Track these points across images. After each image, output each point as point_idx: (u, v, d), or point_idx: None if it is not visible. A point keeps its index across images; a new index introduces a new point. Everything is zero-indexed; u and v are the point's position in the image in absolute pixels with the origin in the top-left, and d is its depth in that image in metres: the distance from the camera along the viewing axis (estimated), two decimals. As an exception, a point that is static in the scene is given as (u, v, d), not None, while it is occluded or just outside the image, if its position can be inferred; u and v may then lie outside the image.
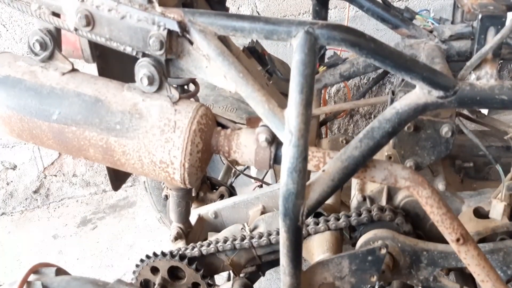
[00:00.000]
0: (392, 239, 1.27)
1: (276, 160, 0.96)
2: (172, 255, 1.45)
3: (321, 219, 1.39)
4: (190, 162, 0.98)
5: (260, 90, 0.91)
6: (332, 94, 3.31)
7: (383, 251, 1.23)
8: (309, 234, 1.40)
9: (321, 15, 1.76)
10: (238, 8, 2.99)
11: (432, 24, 1.55)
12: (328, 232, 1.38)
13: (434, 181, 1.35)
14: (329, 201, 1.56)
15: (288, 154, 0.85)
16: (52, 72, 1.05)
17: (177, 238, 1.58)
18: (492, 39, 0.98)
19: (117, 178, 1.42)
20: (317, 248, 1.38)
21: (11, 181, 3.01)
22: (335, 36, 0.87)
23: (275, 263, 1.56)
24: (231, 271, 1.53)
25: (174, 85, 1.05)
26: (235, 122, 1.24)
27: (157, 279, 1.48)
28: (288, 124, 0.85)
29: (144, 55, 0.99)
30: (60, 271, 1.28)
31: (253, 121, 1.37)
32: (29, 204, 3.09)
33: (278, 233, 1.41)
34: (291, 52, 0.87)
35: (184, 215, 1.59)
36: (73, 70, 1.06)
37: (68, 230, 2.88)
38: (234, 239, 1.45)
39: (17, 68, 1.06)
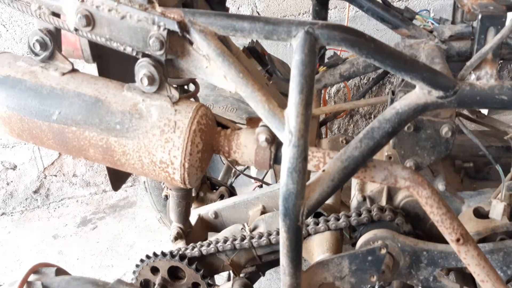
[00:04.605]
0: (392, 239, 1.27)
1: (276, 160, 0.96)
2: (172, 255, 1.45)
3: (321, 219, 1.39)
4: (190, 162, 0.98)
5: (260, 90, 0.91)
6: (332, 94, 3.31)
7: (383, 251, 1.23)
8: (309, 234, 1.40)
9: (321, 15, 1.76)
10: (238, 8, 2.99)
11: (432, 24, 1.55)
12: (328, 232, 1.38)
13: (434, 181, 1.35)
14: (329, 201, 1.56)
15: (288, 154, 0.85)
16: (52, 72, 1.05)
17: (177, 238, 1.57)
18: (492, 39, 0.98)
19: (117, 178, 1.42)
20: (317, 248, 1.38)
21: (11, 181, 3.01)
22: (335, 36, 0.87)
23: (275, 263, 1.56)
24: (231, 271, 1.53)
25: (174, 85, 1.05)
26: (235, 122, 1.24)
27: (157, 279, 1.48)
28: (288, 124, 0.85)
29: (144, 55, 0.99)
30: (60, 271, 1.28)
31: (253, 121, 1.37)
32: (29, 204, 3.09)
33: (278, 233, 1.41)
34: (291, 52, 0.87)
35: (184, 215, 1.59)
36: (73, 70, 1.06)
37: (68, 230, 2.88)
38: (234, 239, 1.45)
39: (17, 68, 1.06)
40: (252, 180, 2.10)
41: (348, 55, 1.64)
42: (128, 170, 1.06)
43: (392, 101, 1.23)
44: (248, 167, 2.12)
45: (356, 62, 1.60)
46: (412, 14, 1.57)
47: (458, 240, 0.98)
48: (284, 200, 0.88)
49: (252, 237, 1.44)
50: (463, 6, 1.33)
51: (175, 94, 0.99)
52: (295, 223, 0.89)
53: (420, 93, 0.93)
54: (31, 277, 1.22)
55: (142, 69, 0.98)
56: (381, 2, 1.55)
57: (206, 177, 1.85)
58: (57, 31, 1.07)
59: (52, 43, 1.05)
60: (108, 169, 1.35)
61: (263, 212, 1.61)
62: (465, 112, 1.54)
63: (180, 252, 1.46)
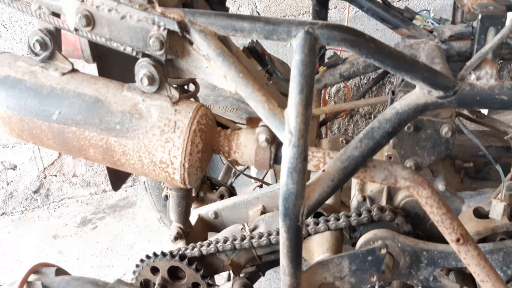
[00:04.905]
0: (392, 239, 1.27)
1: (276, 160, 0.96)
2: (172, 255, 1.45)
3: (321, 219, 1.39)
4: (190, 162, 0.98)
5: (260, 90, 0.91)
6: (332, 94, 3.31)
7: (383, 251, 1.23)
8: (309, 234, 1.40)
9: (321, 15, 1.76)
10: (238, 8, 2.99)
11: (432, 24, 1.55)
12: (328, 232, 1.38)
13: (434, 181, 1.35)
14: (329, 201, 1.56)
15: (288, 154, 0.85)
16: (52, 72, 1.05)
17: (177, 238, 1.57)
18: (492, 39, 0.98)
19: (117, 178, 1.42)
20: (317, 248, 1.38)
21: (11, 181, 3.01)
22: (335, 36, 0.87)
23: (275, 263, 1.56)
24: (231, 271, 1.53)
25: (174, 85, 1.05)
26: (235, 122, 1.24)
27: (157, 279, 1.48)
28: (288, 124, 0.85)
29: (144, 55, 0.99)
30: (60, 271, 1.28)
31: (253, 121, 1.37)
32: (29, 204, 3.09)
33: (278, 233, 1.41)
34: (291, 52, 0.87)
35: (184, 215, 1.59)
36: (73, 70, 1.06)
37: (68, 230, 2.88)
38: (234, 239, 1.45)
39: (17, 68, 1.06)
40: (252, 180, 2.10)
41: (348, 55, 1.64)
42: (128, 170, 1.06)
43: (392, 101, 1.23)
44: (248, 167, 2.12)
45: (356, 62, 1.60)
46: (412, 14, 1.57)
47: (458, 240, 0.98)
48: (284, 200, 0.88)
49: (252, 237, 1.44)
50: (463, 6, 1.33)
51: (175, 94, 0.99)
52: (295, 223, 0.89)
53: (420, 93, 0.93)
54: (31, 277, 1.22)
55: (142, 69, 0.98)
56: (381, 2, 1.55)
57: (206, 177, 1.85)
58: (57, 31, 1.07)
59: (52, 43, 1.05)
60: (108, 169, 1.35)
61: (263, 212, 1.61)
62: (465, 112, 1.54)
63: (180, 252, 1.46)
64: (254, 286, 1.53)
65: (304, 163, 0.86)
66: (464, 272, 1.39)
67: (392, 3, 1.60)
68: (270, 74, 1.77)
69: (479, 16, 1.19)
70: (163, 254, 1.45)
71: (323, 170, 0.92)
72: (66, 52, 1.16)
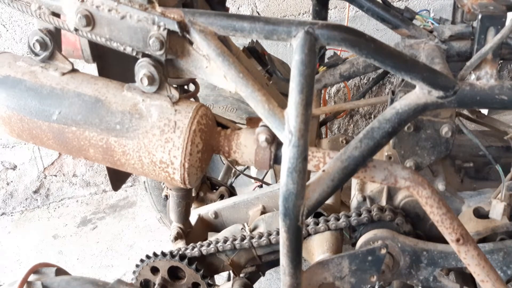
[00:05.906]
0: (392, 239, 1.27)
1: (276, 160, 0.96)
2: (172, 255, 1.45)
3: (321, 219, 1.39)
4: (190, 162, 0.98)
5: (260, 90, 0.91)
6: (332, 94, 3.31)
7: (383, 251, 1.23)
8: (309, 234, 1.40)
9: (321, 15, 1.76)
10: (238, 8, 2.99)
11: (432, 24, 1.55)
12: (328, 232, 1.38)
13: (434, 181, 1.35)
14: (329, 201, 1.56)
15: (288, 154, 0.85)
16: (52, 72, 1.05)
17: (177, 238, 1.58)
18: (492, 39, 0.98)
19: (117, 178, 1.42)
20: (317, 248, 1.38)
21: (11, 181, 3.01)
22: (335, 36, 0.87)
23: (275, 263, 1.56)
24: (231, 271, 1.53)
25: (174, 85, 1.05)
26: (235, 122, 1.24)
27: (157, 279, 1.48)
28: (288, 124, 0.85)
29: (144, 55, 0.99)
30: (60, 271, 1.28)
31: (253, 121, 1.37)
32: (29, 204, 3.09)
33: (278, 233, 1.41)
34: (291, 52, 0.87)
35: (184, 215, 1.59)
36: (73, 70, 1.06)
37: (68, 230, 2.88)
38: (234, 239, 1.45)
39: (17, 68, 1.06)
40: (252, 180, 2.10)
41: (348, 55, 1.64)
42: (128, 170, 1.06)
43: (392, 101, 1.23)
44: (248, 167, 2.12)
45: (356, 62, 1.60)
46: (412, 14, 1.56)
47: (458, 240, 0.98)
48: (284, 200, 0.88)
49: (252, 237, 1.44)
50: (463, 6, 1.33)
51: (175, 94, 0.99)
52: (295, 223, 0.89)
53: (420, 93, 0.93)
54: (31, 277, 1.22)
55: (142, 69, 0.98)
56: (381, 2, 1.55)
57: (206, 177, 1.85)
58: (57, 31, 1.07)
59: (52, 43, 1.05)
60: (108, 169, 1.35)
61: (263, 212, 1.61)
62: (465, 112, 1.54)
63: (180, 252, 1.46)
64: (254, 286, 1.53)
65: (304, 163, 0.86)
66: (464, 272, 1.39)
67: (392, 3, 1.60)
68: (270, 74, 1.77)
69: (479, 16, 1.19)
70: (163, 254, 1.45)
71: (323, 170, 0.92)
72: (66, 52, 1.16)
